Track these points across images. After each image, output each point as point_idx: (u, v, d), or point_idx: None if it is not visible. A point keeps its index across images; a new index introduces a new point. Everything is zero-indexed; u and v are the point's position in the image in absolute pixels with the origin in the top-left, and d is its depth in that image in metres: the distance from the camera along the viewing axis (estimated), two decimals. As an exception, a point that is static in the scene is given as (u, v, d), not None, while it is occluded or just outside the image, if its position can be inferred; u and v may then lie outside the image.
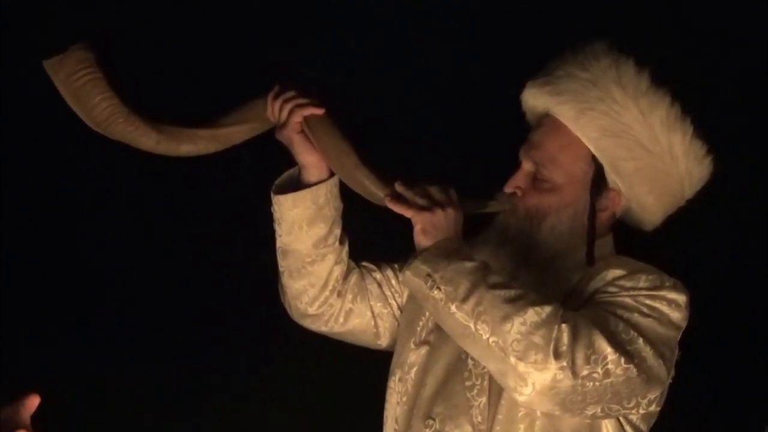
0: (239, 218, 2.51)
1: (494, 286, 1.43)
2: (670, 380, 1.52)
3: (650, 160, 1.60)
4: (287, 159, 1.70)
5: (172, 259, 3.11)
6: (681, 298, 1.52)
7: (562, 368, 1.37)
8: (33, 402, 1.18)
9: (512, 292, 1.42)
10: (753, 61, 2.74)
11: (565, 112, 1.60)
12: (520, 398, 1.41)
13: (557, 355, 1.37)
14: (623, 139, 1.58)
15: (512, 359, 1.38)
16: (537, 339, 1.38)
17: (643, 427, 1.57)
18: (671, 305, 1.51)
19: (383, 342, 1.82)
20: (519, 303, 1.41)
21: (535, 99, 1.66)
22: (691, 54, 2.70)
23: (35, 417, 1.17)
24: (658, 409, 1.54)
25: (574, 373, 1.37)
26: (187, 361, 3.12)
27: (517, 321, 1.39)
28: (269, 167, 1.72)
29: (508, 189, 1.65)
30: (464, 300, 1.42)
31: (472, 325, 1.41)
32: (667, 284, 1.53)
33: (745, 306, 2.79)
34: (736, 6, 2.74)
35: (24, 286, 3.07)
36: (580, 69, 1.60)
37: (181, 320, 3.11)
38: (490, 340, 1.40)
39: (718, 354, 2.66)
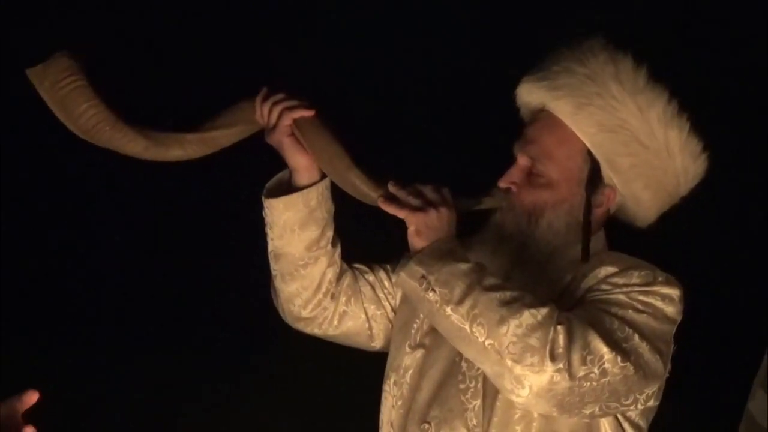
0: (231, 222, 2.50)
1: (489, 288, 1.42)
2: (666, 374, 1.51)
3: (646, 156, 1.59)
4: (278, 162, 1.68)
5: (165, 262, 3.10)
6: (674, 292, 1.52)
7: (558, 370, 1.36)
8: (31, 397, 1.17)
9: (508, 294, 1.41)
10: (750, 58, 2.74)
11: (561, 107, 1.59)
12: (517, 400, 1.41)
13: (553, 357, 1.36)
14: (620, 134, 1.57)
15: (508, 362, 1.37)
16: (533, 341, 1.37)
17: (642, 423, 1.57)
18: (665, 300, 1.50)
19: (377, 344, 1.81)
20: (515, 305, 1.40)
21: (530, 94, 1.65)
22: (688, 50, 2.70)
23: (30, 413, 1.17)
24: (657, 403, 1.54)
25: (571, 375, 1.36)
26: (180, 364, 3.11)
27: (513, 323, 1.38)
28: (260, 170, 1.70)
29: (502, 184, 1.63)
30: (459, 302, 1.41)
31: (467, 328, 1.40)
32: (660, 279, 1.53)
33: (738, 300, 2.80)
34: (734, 2, 2.73)
35: (22, 287, 3.06)
36: (577, 64, 1.58)
37: (175, 323, 3.11)
38: (486, 343, 1.39)
39: (713, 348, 2.67)
